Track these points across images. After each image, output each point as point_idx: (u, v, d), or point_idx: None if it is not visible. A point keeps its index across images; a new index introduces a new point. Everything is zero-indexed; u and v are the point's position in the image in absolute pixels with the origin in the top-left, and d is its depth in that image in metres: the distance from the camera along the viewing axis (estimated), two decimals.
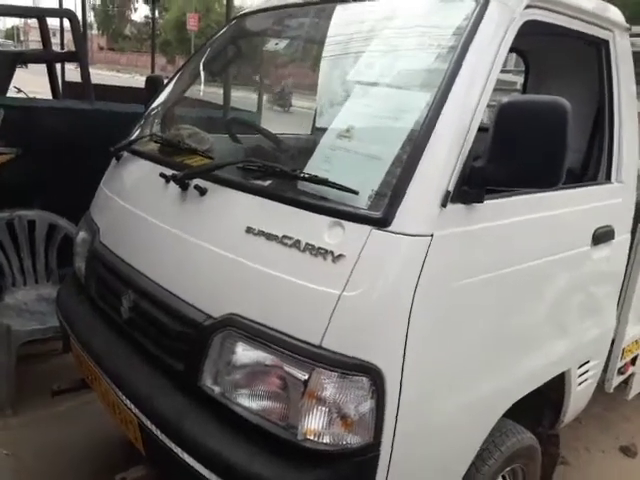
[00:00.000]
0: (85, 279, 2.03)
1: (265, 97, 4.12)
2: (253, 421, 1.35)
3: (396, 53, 1.64)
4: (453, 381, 1.49)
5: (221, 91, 3.78)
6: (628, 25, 2.04)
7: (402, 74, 1.58)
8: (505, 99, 1.30)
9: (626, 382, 2.66)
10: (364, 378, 1.28)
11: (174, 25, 35.75)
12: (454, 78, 1.39)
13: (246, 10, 2.40)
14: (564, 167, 1.30)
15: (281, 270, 1.38)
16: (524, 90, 2.80)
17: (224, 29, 2.42)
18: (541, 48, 2.59)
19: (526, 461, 1.98)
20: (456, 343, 1.47)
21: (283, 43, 2.21)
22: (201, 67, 2.36)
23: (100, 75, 21.98)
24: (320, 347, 1.29)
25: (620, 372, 2.48)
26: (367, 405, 1.29)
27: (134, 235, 1.82)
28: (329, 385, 1.28)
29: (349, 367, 1.27)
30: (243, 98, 4.22)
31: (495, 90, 1.47)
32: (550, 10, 1.65)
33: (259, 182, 1.58)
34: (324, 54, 1.89)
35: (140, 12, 57.95)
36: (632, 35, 2.11)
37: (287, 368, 1.32)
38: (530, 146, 1.28)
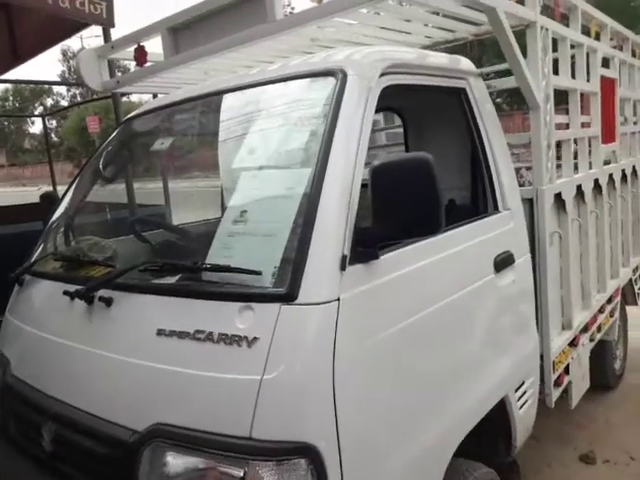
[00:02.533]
0: (1, 417, 1.89)
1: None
2: None
3: (274, 136, 1.73)
4: (393, 437, 1.50)
5: (124, 189, 3.77)
6: (479, 71, 2.27)
7: (282, 154, 1.67)
8: (375, 163, 1.40)
9: (566, 392, 2.77)
10: (301, 460, 1.26)
11: (75, 131, 35.59)
12: (329, 150, 1.48)
13: (132, 114, 2.46)
14: (442, 214, 1.40)
15: (198, 367, 1.37)
16: (405, 144, 3.00)
17: (113, 134, 2.45)
18: (412, 104, 2.82)
19: None
20: (387, 399, 1.49)
21: (169, 141, 2.27)
22: (98, 173, 2.37)
23: (6, 192, 21.35)
24: (250, 439, 1.27)
25: (557, 384, 2.57)
26: None
27: (46, 361, 1.74)
28: (266, 475, 1.26)
29: (283, 453, 1.26)
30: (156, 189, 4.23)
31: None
32: (405, 73, 1.81)
33: (164, 281, 1.58)
34: (213, 144, 1.96)
35: (38, 125, 57.30)
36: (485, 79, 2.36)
37: (221, 468, 1.29)
38: (407, 201, 1.38)
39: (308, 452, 1.26)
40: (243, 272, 1.40)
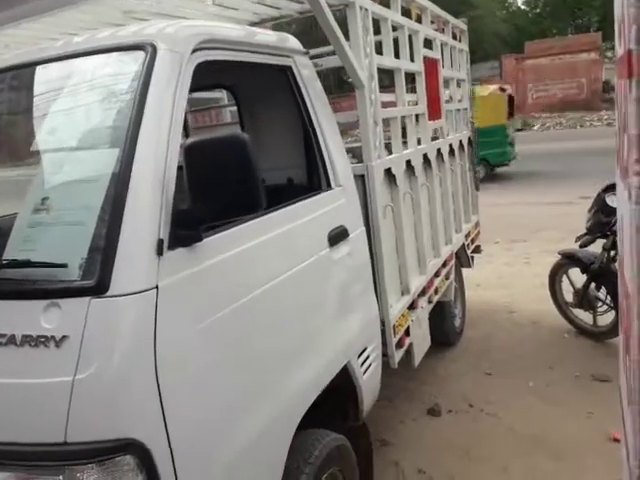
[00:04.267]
0: None
1: None
2: None
3: (79, 115, 1.59)
4: (229, 421, 1.48)
5: None
6: (305, 50, 2.29)
7: (87, 134, 1.54)
8: (188, 141, 1.35)
9: (409, 352, 2.97)
10: (126, 456, 1.20)
11: None
12: (138, 127, 1.39)
13: None
14: (260, 192, 1.39)
15: (2, 375, 1.23)
16: (241, 122, 2.97)
17: None
18: (241, 82, 2.79)
19: (340, 462, 2.06)
20: (220, 384, 1.46)
21: None
22: None
23: None
24: (65, 444, 1.17)
25: (399, 346, 2.75)
26: None
27: None
28: (88, 479, 1.17)
29: (104, 452, 1.19)
30: None
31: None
32: (223, 49, 1.76)
33: None
34: (14, 125, 1.75)
35: None
36: (313, 57, 2.39)
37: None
38: (224, 181, 1.35)
39: (133, 448, 1.20)
40: (46, 266, 1.29)
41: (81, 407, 1.19)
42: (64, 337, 1.22)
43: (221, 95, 3.62)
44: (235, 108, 3.12)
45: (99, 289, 1.25)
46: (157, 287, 1.31)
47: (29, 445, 1.19)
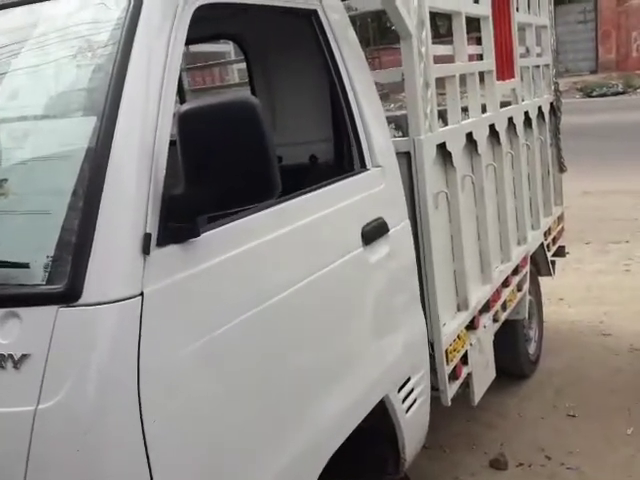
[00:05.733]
0: None
1: None
2: None
3: (45, 73, 1.63)
4: (232, 468, 1.52)
5: None
6: None
7: (56, 98, 1.59)
8: (183, 107, 1.37)
9: (467, 385, 2.97)
10: None
11: None
12: (121, 89, 1.43)
13: None
14: (275, 173, 1.40)
15: None
16: (251, 84, 3.01)
17: None
18: (253, 32, 2.81)
19: None
20: (220, 420, 1.49)
21: None
22: None
23: None
24: None
25: (453, 377, 2.75)
26: None
27: None
28: None
29: None
30: None
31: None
32: None
33: None
34: None
35: None
36: None
37: None
38: (228, 158, 1.36)
39: None
40: (2, 266, 1.33)
41: (44, 446, 1.23)
42: (24, 356, 1.26)
43: (227, 48, 3.67)
44: (244, 65, 3.16)
45: (69, 296, 1.28)
46: (142, 294, 1.33)
47: None
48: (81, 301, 1.28)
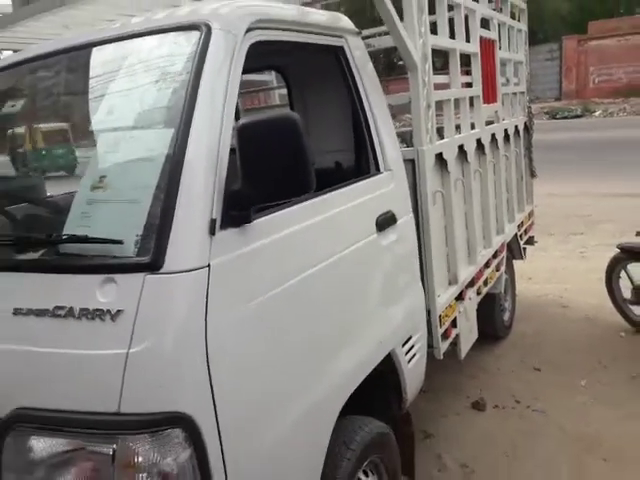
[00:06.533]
0: None
1: None
2: None
3: (134, 95, 1.65)
4: (274, 399, 1.53)
5: None
6: (358, 29, 2.29)
7: (143, 114, 1.60)
8: (240, 122, 1.39)
9: (455, 344, 2.96)
10: (176, 429, 1.26)
11: None
12: (193, 108, 1.44)
13: None
14: (311, 173, 1.42)
15: (60, 345, 1.31)
16: (290, 104, 3.00)
17: None
18: (292, 63, 2.81)
19: (381, 450, 2.09)
20: (266, 364, 1.51)
21: (20, 103, 2.10)
22: None
23: None
24: (118, 414, 1.24)
25: (445, 337, 2.75)
26: (185, 454, 1.27)
27: None
28: (139, 449, 1.24)
29: (155, 424, 1.25)
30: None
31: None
32: (276, 29, 1.79)
33: (20, 256, 1.49)
34: (71, 105, 1.84)
35: None
36: (365, 37, 2.39)
37: (90, 447, 1.25)
38: (275, 161, 1.38)
39: (182, 421, 1.26)
40: (102, 242, 1.35)
41: (134, 379, 1.25)
42: (119, 311, 1.28)
43: (270, 77, 3.66)
44: (284, 90, 3.16)
45: (154, 266, 1.30)
46: (209, 266, 1.35)
47: (83, 413, 1.26)
48: (162, 270, 1.30)
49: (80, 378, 1.29)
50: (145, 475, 1.24)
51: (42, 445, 1.29)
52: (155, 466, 1.24)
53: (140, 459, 1.23)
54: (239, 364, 1.42)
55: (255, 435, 1.45)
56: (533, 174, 4.82)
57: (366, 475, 2.02)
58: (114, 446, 1.23)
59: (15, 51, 2.67)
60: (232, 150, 1.47)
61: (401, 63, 2.49)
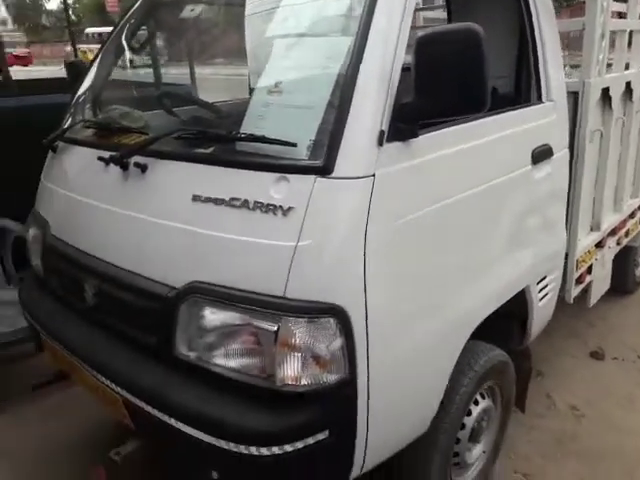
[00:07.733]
0: (44, 274, 2.03)
1: None
2: (233, 378, 1.42)
3: (312, 3, 1.65)
4: (417, 309, 1.58)
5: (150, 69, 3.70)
6: None
7: (321, 22, 1.60)
8: (420, 33, 1.35)
9: (586, 290, 2.84)
10: (330, 319, 1.35)
11: (94, 8, 34.26)
12: (370, 19, 1.43)
13: None
14: (487, 91, 1.35)
15: (234, 232, 1.42)
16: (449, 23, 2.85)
17: (137, 4, 2.36)
18: None
19: (500, 377, 2.12)
20: (414, 274, 1.55)
21: (199, 8, 2.19)
22: (123, 46, 2.32)
23: (24, 71, 21.05)
24: (284, 298, 1.35)
25: (578, 282, 2.64)
26: (337, 343, 1.37)
27: (84, 222, 1.82)
28: (298, 331, 1.35)
29: (314, 311, 1.35)
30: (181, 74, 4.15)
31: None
32: None
33: (199, 150, 1.60)
34: (245, 15, 1.89)
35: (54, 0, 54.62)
36: None
37: (257, 323, 1.38)
38: (451, 75, 1.33)
39: (337, 312, 1.35)
40: (279, 143, 1.41)
41: (300, 269, 1.34)
42: (290, 208, 1.36)
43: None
44: (429, 13, 2.99)
45: (325, 170, 1.36)
46: (374, 175, 1.39)
47: (253, 293, 1.38)
48: (332, 175, 1.36)
49: (251, 262, 1.40)
50: (300, 355, 1.36)
51: (214, 316, 1.44)
52: (310, 349, 1.36)
53: (298, 340, 1.35)
54: (390, 269, 1.47)
55: (397, 339, 1.52)
56: None
57: (482, 397, 2.07)
58: (278, 325, 1.34)
59: None
60: (404, 69, 1.45)
61: None
